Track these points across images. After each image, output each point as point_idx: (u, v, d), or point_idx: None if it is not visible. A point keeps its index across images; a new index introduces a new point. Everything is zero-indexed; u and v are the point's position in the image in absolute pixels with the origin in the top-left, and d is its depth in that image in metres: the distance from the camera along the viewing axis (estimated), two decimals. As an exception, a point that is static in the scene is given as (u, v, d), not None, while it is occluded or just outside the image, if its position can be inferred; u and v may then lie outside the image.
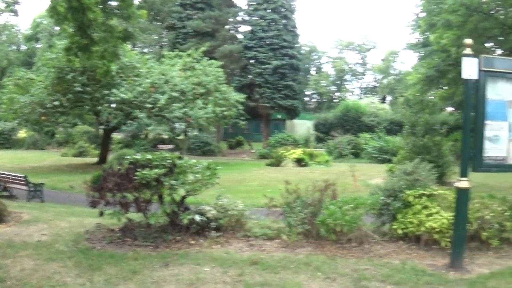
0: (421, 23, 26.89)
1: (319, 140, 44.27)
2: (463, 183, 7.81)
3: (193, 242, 9.09)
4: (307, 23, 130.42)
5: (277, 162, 31.44)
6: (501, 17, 19.80)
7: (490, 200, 9.52)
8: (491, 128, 8.00)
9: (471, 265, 8.15)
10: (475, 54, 7.83)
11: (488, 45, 22.52)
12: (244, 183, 20.29)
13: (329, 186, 9.84)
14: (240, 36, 52.12)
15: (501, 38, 21.07)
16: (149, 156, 9.22)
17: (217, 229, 9.48)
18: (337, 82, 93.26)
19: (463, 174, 7.86)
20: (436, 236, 8.83)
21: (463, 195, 7.87)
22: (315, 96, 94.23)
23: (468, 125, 7.90)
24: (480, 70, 7.78)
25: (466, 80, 7.75)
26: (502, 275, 7.57)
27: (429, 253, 8.76)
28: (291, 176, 21.44)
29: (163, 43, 59.25)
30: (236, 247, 8.93)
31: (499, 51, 23.72)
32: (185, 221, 9.16)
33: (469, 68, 7.67)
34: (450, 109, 40.61)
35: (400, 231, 9.25)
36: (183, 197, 9.48)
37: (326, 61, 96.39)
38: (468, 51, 7.77)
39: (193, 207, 9.81)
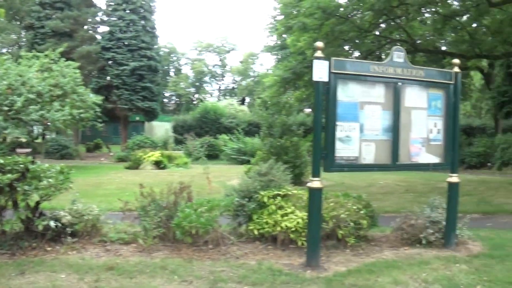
0: (278, 26, 27.25)
1: (178, 142, 44.22)
2: (315, 183, 7.91)
3: (49, 248, 8.76)
4: (167, 24, 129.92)
5: (135, 165, 31.00)
6: (357, 21, 20.35)
7: (345, 199, 9.73)
8: (342, 129, 8.19)
9: (328, 263, 8.30)
10: (326, 57, 7.98)
11: (346, 47, 23.12)
12: (102, 187, 19.87)
13: (184, 189, 9.76)
14: (98, 37, 51.09)
15: (357, 41, 21.65)
16: (1, 161, 8.85)
17: (73, 234, 9.17)
18: (196, 83, 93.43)
19: (315, 174, 7.98)
20: (292, 236, 8.93)
21: (315, 195, 7.98)
22: (174, 97, 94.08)
23: (319, 126, 8.01)
24: (330, 73, 7.94)
25: (317, 82, 7.88)
26: (359, 272, 7.76)
27: (285, 253, 8.86)
28: (149, 179, 21.25)
29: (21, 43, 57.33)
30: (92, 253, 8.70)
31: (357, 54, 24.48)
32: (40, 227, 8.83)
33: (320, 71, 7.80)
34: (308, 110, 41.50)
35: (256, 232, 9.28)
36: (37, 203, 9.15)
37: (185, 63, 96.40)
38: (319, 53, 7.88)
39: (48, 212, 9.49)
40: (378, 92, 8.69)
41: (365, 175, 24.06)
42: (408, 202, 15.49)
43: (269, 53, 57.24)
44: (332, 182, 21.83)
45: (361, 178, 23.57)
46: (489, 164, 32.46)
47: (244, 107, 65.50)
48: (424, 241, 9.45)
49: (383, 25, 23.14)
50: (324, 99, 8.03)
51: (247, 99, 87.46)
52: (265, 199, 9.37)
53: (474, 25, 23.65)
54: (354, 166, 8.50)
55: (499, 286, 7.32)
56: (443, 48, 27.42)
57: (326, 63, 7.89)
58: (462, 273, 7.90)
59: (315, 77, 7.82)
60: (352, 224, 9.12)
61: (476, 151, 33.20)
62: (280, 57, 47.09)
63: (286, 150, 20.93)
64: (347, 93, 8.27)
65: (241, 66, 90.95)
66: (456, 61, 9.89)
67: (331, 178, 22.66)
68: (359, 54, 23.88)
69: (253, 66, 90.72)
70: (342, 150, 8.20)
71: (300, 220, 8.86)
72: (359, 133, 8.39)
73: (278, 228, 8.99)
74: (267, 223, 9.16)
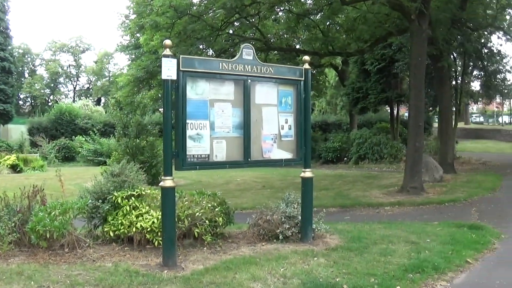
0: (131, 25, 27.01)
1: (34, 145, 43.17)
2: (168, 182, 7.87)
3: None
4: (21, 24, 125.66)
5: (-9, 169, 30.15)
6: (210, 19, 20.39)
7: (200, 197, 9.73)
8: (193, 127, 8.18)
9: (185, 262, 8.27)
10: (174, 55, 7.93)
11: (201, 46, 23.13)
12: (-42, 194, 19.12)
13: (37, 192, 9.50)
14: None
15: (211, 39, 21.71)
16: None
17: None
18: (51, 85, 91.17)
19: (167, 173, 7.93)
20: (148, 236, 8.84)
21: (168, 194, 7.93)
22: (29, 99, 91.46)
23: (169, 125, 7.98)
24: (179, 70, 7.91)
25: (166, 80, 7.83)
26: (217, 270, 7.75)
27: (142, 254, 8.76)
28: (5, 183, 20.76)
29: None
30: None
31: (211, 52, 24.54)
32: None
33: (169, 69, 7.75)
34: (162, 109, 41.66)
35: (112, 234, 9.13)
36: None
37: (40, 64, 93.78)
38: (167, 51, 7.84)
39: None
40: (228, 90, 8.72)
41: (222, 172, 24.27)
42: (265, 198, 15.74)
43: (123, 53, 56.64)
44: (189, 181, 21.92)
45: (218, 175, 23.77)
46: (345, 158, 33.42)
47: (100, 108, 64.74)
48: (281, 236, 9.55)
49: (236, 24, 23.35)
50: (173, 97, 8.00)
51: (103, 100, 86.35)
52: (119, 200, 9.24)
53: (328, 23, 24.27)
54: (206, 164, 8.48)
55: (358, 278, 7.48)
56: (297, 46, 27.96)
57: (175, 61, 7.84)
58: (321, 266, 8.04)
59: (164, 75, 7.76)
60: (207, 222, 9.11)
61: (332, 146, 34.18)
62: (134, 56, 46.69)
63: (142, 150, 20.90)
64: (196, 91, 8.26)
65: (96, 66, 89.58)
66: (306, 58, 10.13)
67: (188, 176, 22.75)
68: (213, 52, 23.97)
69: (108, 66, 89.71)
70: (193, 148, 8.18)
71: (155, 220, 8.78)
72: (209, 131, 8.39)
73: (134, 229, 8.87)
74: (122, 224, 9.03)
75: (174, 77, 7.84)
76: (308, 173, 9.71)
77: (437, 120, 32.33)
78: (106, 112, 55.58)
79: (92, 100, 77.74)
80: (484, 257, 9.16)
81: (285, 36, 26.73)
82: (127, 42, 50.51)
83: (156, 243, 8.82)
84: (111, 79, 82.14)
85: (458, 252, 9.08)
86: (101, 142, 37.93)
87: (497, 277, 7.87)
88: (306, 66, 9.80)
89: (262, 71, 9.08)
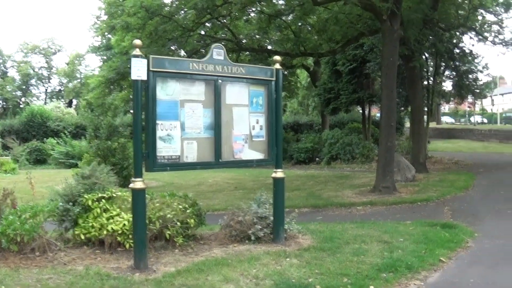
0: (102, 26, 26.91)
1: (6, 147, 42.84)
2: (138, 184, 7.78)
3: None
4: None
5: (-36, 172, 29.95)
6: (181, 20, 20.32)
7: (171, 199, 9.66)
8: (163, 128, 8.10)
9: (157, 264, 8.20)
10: (144, 55, 7.85)
11: (173, 47, 23.06)
12: None
13: (7, 195, 9.40)
14: None
15: (182, 40, 21.64)
16: None
17: None
18: (23, 87, 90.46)
19: (137, 175, 7.85)
20: (119, 239, 8.76)
21: (138, 196, 7.86)
22: (0, 102, 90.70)
23: (139, 126, 7.92)
24: (149, 71, 7.84)
25: (136, 81, 7.75)
26: (189, 272, 7.69)
27: (114, 256, 8.66)
28: (-21, 186, 20.47)
29: None
30: None
31: (183, 53, 24.48)
32: None
33: (138, 69, 7.66)
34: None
35: (83, 236, 9.01)
36: None
37: (11, 65, 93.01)
38: (137, 52, 7.76)
39: None
40: (199, 90, 8.66)
41: (194, 174, 24.21)
42: (238, 199, 15.68)
43: (95, 54, 56.51)
44: (161, 183, 21.86)
45: (190, 177, 23.68)
46: (317, 159, 33.44)
47: (71, 110, 64.36)
48: (253, 237, 9.51)
49: (208, 24, 23.33)
50: (143, 98, 7.92)
51: (74, 101, 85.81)
52: (90, 203, 9.13)
53: (299, 24, 24.32)
54: (177, 165, 8.42)
55: (331, 278, 7.46)
56: (269, 47, 27.99)
57: (145, 61, 7.77)
58: (293, 267, 8.01)
59: (134, 76, 7.66)
60: (179, 223, 9.06)
61: (304, 147, 34.18)
62: (105, 58, 46.56)
63: (113, 152, 20.77)
64: (166, 91, 8.19)
65: (67, 68, 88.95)
66: (277, 58, 10.07)
67: (160, 178, 22.70)
68: (185, 53, 23.92)
69: (80, 67, 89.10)
70: (164, 149, 8.11)
71: (126, 223, 8.71)
72: (180, 132, 8.32)
73: (105, 232, 8.78)
74: (93, 227, 8.93)
75: (144, 78, 7.76)
76: (279, 174, 9.67)
77: (409, 120, 32.49)
78: (77, 114, 55.31)
79: (64, 102, 77.27)
80: (458, 255, 9.19)
81: (257, 36, 26.78)
82: (98, 43, 50.42)
83: (127, 246, 8.74)
84: (82, 80, 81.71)
85: (431, 251, 9.10)
86: (72, 145, 37.71)
87: (471, 276, 7.90)
88: (277, 66, 9.75)
89: (233, 71, 9.04)
